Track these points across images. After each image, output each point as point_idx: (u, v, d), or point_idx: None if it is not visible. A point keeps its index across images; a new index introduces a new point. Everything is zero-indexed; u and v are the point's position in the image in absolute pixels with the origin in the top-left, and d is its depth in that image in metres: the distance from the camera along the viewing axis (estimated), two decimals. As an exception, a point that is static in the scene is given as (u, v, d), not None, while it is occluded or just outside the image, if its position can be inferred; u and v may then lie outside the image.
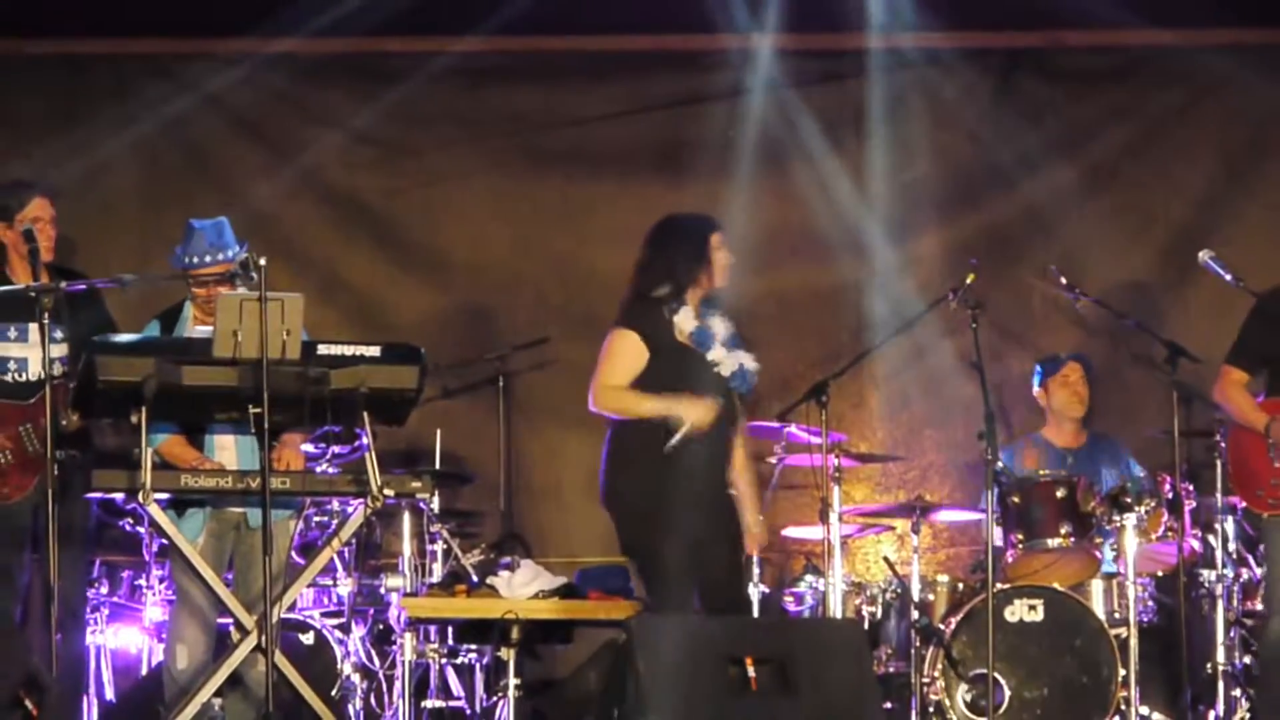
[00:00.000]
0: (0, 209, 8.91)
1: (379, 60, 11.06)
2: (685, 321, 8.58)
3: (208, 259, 8.47)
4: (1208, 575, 9.62)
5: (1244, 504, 9.25)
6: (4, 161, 10.53)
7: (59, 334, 8.68)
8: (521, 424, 10.85)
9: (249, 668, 8.23)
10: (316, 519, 9.58)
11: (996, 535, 9.44)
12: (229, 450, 8.47)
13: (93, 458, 8.72)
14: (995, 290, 10.00)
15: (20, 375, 8.78)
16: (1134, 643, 9.22)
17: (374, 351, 8.15)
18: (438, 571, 9.75)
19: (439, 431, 10.17)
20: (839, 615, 9.45)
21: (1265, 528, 9.09)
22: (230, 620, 8.28)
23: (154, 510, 8.06)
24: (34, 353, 8.66)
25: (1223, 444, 9.29)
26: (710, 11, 10.68)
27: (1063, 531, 9.60)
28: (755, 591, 9.63)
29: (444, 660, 9.71)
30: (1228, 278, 9.19)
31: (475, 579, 9.13)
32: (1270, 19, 10.75)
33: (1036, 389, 10.36)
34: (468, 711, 9.74)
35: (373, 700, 9.76)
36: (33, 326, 8.59)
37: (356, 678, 9.65)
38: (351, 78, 11.13)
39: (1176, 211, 11.07)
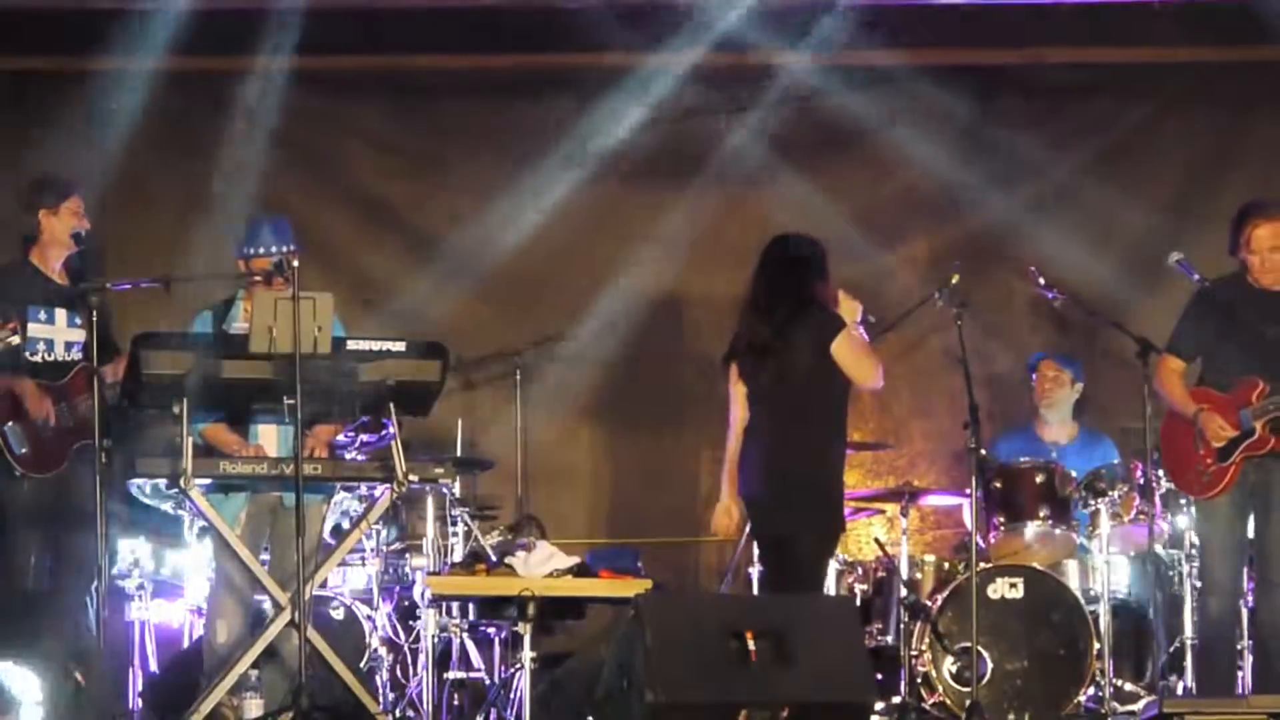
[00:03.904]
0: (46, 198, 8.97)
1: (410, 75, 11.05)
2: None
3: (273, 248, 8.52)
4: (1177, 555, 9.61)
5: (1176, 488, 9.21)
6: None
7: (78, 321, 8.79)
8: (537, 414, 10.85)
9: (284, 641, 8.23)
10: (346, 503, 9.57)
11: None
12: (270, 439, 8.50)
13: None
14: (979, 290, 9.98)
15: (49, 355, 8.86)
16: (1107, 618, 9.23)
17: (400, 347, 8.16)
18: (459, 551, 9.77)
19: (460, 421, 10.18)
20: (833, 593, 9.47)
21: (1197, 511, 9.03)
22: (266, 597, 8.29)
23: (195, 495, 8.07)
24: (59, 335, 8.83)
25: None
26: (728, 29, 10.70)
27: (1041, 515, 9.61)
28: (756, 571, 9.63)
29: (465, 634, 9.72)
30: (1195, 278, 9.16)
31: (494, 559, 9.12)
32: (1232, 39, 10.76)
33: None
34: (487, 682, 9.75)
35: (398, 671, 9.77)
36: (59, 311, 8.81)
37: (383, 650, 9.65)
38: (383, 91, 11.13)
39: (1146, 217, 11.05)
